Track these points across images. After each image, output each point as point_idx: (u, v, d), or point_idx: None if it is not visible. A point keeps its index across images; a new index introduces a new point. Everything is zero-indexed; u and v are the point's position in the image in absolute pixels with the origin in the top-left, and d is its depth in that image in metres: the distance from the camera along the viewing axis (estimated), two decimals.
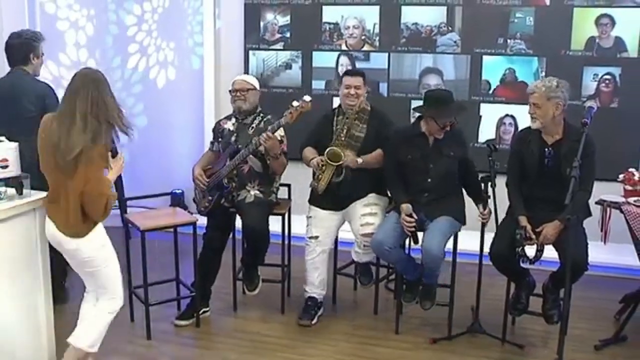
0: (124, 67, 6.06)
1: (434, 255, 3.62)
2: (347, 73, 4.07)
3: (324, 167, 3.93)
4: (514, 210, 3.67)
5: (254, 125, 4.05)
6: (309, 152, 4.10)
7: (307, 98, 3.82)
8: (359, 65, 5.40)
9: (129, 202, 4.89)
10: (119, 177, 5.51)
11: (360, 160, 3.92)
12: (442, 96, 3.83)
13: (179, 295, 4.22)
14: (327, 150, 3.92)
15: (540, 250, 3.53)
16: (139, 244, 3.76)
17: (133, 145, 5.99)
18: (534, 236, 3.51)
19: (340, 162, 3.89)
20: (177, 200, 5.69)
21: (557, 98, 3.49)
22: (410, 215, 3.69)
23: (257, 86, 4.14)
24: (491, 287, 4.24)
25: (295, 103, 3.80)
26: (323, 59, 5.51)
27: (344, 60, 5.46)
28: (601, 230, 3.93)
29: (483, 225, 3.72)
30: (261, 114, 4.10)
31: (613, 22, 4.83)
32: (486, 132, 5.20)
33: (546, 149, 3.59)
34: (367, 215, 3.96)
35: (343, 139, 3.93)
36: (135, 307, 4.06)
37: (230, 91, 4.10)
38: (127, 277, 4.01)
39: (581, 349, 3.79)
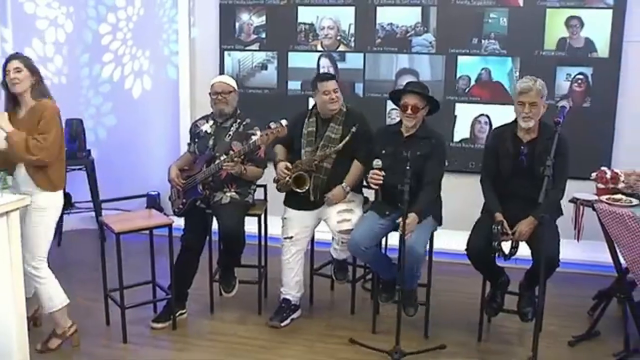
0: (92, 65, 5.99)
1: (417, 254, 3.63)
2: (321, 79, 4.02)
3: (287, 181, 3.96)
4: (489, 207, 3.70)
5: (232, 131, 4.04)
6: (280, 151, 4.11)
7: (283, 122, 3.83)
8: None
9: (104, 205, 4.84)
10: (93, 179, 5.51)
11: (347, 189, 3.96)
12: (417, 82, 4.01)
13: (155, 297, 4.19)
14: (294, 174, 3.94)
15: (515, 247, 3.57)
16: (114, 247, 3.73)
17: (104, 145, 5.98)
18: (510, 231, 3.55)
19: (304, 190, 3.93)
20: (152, 201, 5.64)
21: (545, 96, 3.57)
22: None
23: (236, 87, 4.14)
24: (467, 286, 4.27)
25: (272, 125, 3.80)
26: (299, 60, 5.51)
27: (325, 62, 5.47)
28: (575, 228, 3.98)
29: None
30: (239, 119, 4.09)
31: (582, 23, 4.89)
32: (461, 131, 5.24)
33: (521, 147, 3.63)
34: (343, 212, 3.96)
35: (315, 162, 3.94)
36: (111, 310, 4.02)
37: (210, 94, 4.08)
38: (102, 280, 3.99)
39: (556, 345, 3.84)
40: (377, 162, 3.65)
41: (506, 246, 3.56)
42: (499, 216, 3.59)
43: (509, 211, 3.60)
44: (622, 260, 3.86)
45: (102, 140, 6.10)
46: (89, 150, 5.57)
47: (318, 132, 4.01)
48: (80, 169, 5.50)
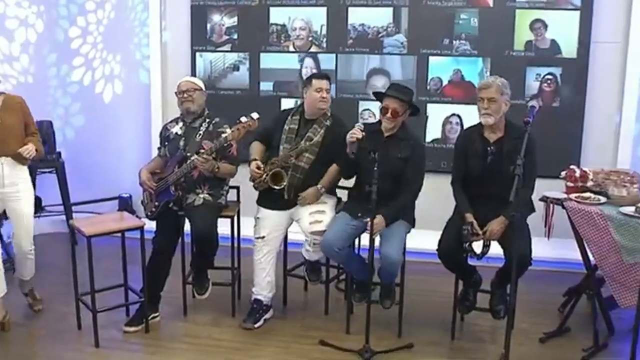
0: (60, 65, 5.91)
1: (393, 261, 3.67)
2: (317, 76, 4.04)
3: (264, 179, 3.95)
4: (459, 208, 3.74)
5: (201, 130, 4.02)
6: (255, 148, 4.10)
7: (255, 115, 3.81)
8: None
9: (76, 208, 4.79)
10: (64, 182, 5.43)
11: (322, 190, 3.97)
12: (401, 85, 3.96)
13: (127, 301, 4.15)
14: (272, 170, 3.93)
15: (487, 246, 3.60)
16: (85, 250, 3.69)
17: (73, 146, 5.89)
18: (480, 232, 3.58)
19: (281, 186, 3.92)
20: (124, 204, 5.60)
21: (507, 95, 3.61)
22: None
23: (203, 87, 4.12)
24: (440, 285, 4.30)
25: (243, 119, 3.78)
26: (271, 61, 5.50)
27: (309, 62, 5.46)
28: (545, 226, 4.03)
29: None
30: (208, 118, 4.07)
31: (545, 26, 4.97)
32: (433, 131, 5.28)
33: (488, 147, 3.67)
34: (315, 213, 3.96)
35: (291, 157, 3.93)
36: (82, 314, 3.97)
37: (176, 93, 4.06)
38: (73, 284, 3.94)
39: (527, 342, 3.89)
40: (359, 125, 3.68)
41: (478, 246, 3.59)
42: (469, 217, 3.62)
43: (480, 211, 3.63)
44: (591, 258, 3.93)
45: (71, 141, 6.01)
46: (59, 153, 5.49)
47: (299, 132, 4.01)
48: (50, 171, 5.42)
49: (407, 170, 3.77)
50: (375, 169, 3.46)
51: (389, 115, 3.74)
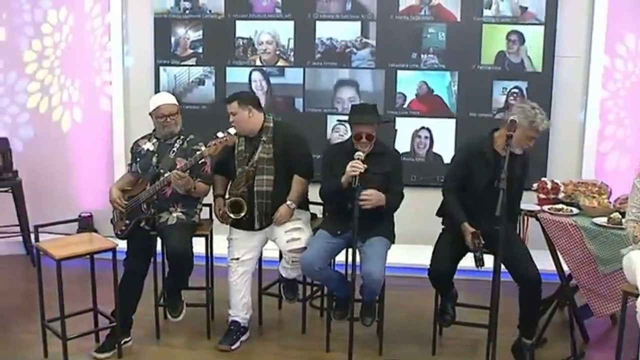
0: (7, 72, 5.67)
1: (375, 280, 3.62)
2: (223, 102, 4.01)
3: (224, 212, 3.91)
4: (455, 217, 3.68)
5: (175, 147, 3.89)
6: (218, 183, 4.05)
7: (232, 130, 3.73)
8: (273, 80, 5.38)
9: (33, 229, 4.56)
10: (21, 202, 5.19)
11: (293, 206, 3.89)
12: (365, 106, 3.91)
13: (97, 326, 3.96)
14: (229, 201, 3.88)
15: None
16: (47, 273, 3.54)
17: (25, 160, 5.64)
18: (482, 240, 3.52)
19: (242, 215, 3.85)
20: (86, 224, 5.38)
21: None
22: None
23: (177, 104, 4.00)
24: (415, 300, 4.28)
25: (220, 134, 3.68)
26: (237, 75, 5.42)
27: (256, 75, 5.40)
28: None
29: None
30: (182, 135, 3.95)
31: (522, 40, 5.06)
32: (402, 145, 5.28)
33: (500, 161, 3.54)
34: (292, 230, 3.88)
35: (242, 184, 3.87)
36: (49, 342, 3.77)
37: (154, 116, 3.91)
38: (39, 310, 3.74)
39: (505, 354, 3.86)
40: (359, 154, 3.60)
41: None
42: (469, 227, 3.58)
43: (481, 226, 3.55)
44: (565, 268, 3.98)
45: (24, 157, 5.73)
46: (16, 171, 5.25)
47: (246, 151, 3.91)
48: (5, 190, 5.17)
49: (390, 182, 3.76)
50: (359, 185, 3.44)
51: (364, 140, 3.69)
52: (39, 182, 5.64)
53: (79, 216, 5.45)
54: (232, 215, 3.86)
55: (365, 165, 3.56)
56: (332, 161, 3.83)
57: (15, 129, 5.76)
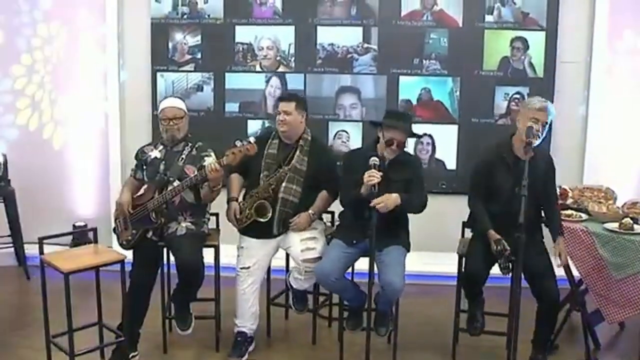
0: None
1: (397, 289, 3.56)
2: (279, 98, 3.95)
3: (247, 214, 3.80)
4: (482, 225, 3.66)
5: (184, 154, 3.79)
6: (234, 183, 3.96)
7: (252, 139, 3.66)
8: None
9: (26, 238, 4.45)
10: (14, 212, 5.02)
11: (314, 217, 3.86)
12: (401, 113, 3.96)
13: (102, 341, 3.83)
14: (255, 203, 3.77)
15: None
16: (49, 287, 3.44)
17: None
18: (508, 247, 3.48)
19: (267, 218, 3.77)
20: (82, 235, 5.22)
21: None
22: None
23: (187, 110, 3.89)
24: (429, 308, 4.23)
25: (238, 143, 3.58)
26: (236, 81, 5.32)
27: (275, 81, 5.31)
28: None
29: None
30: (190, 142, 3.85)
31: (526, 46, 5.04)
32: None
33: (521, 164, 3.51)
34: (307, 240, 3.82)
35: (272, 187, 3.78)
36: (53, 358, 3.62)
37: (160, 119, 3.81)
38: (44, 325, 3.60)
39: None
40: (374, 159, 3.53)
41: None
42: (495, 234, 3.55)
43: (509, 234, 3.46)
44: (575, 274, 3.96)
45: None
46: (9, 180, 5.08)
47: (278, 156, 3.86)
48: None
49: (411, 190, 3.71)
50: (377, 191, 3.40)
51: (394, 147, 3.65)
52: (31, 192, 5.46)
53: (78, 227, 5.29)
54: (257, 218, 3.76)
55: (381, 173, 3.50)
56: (352, 166, 3.76)
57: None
